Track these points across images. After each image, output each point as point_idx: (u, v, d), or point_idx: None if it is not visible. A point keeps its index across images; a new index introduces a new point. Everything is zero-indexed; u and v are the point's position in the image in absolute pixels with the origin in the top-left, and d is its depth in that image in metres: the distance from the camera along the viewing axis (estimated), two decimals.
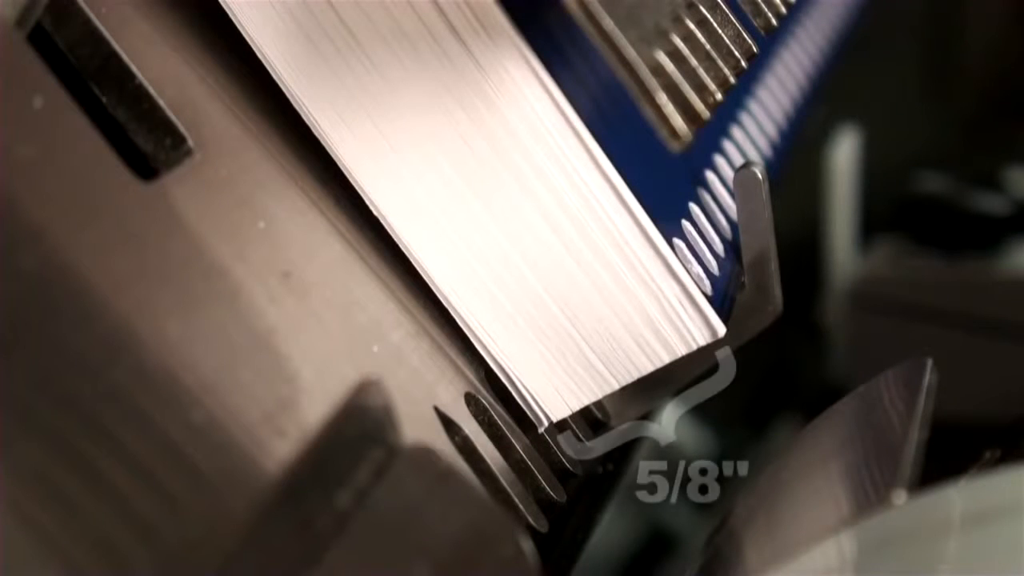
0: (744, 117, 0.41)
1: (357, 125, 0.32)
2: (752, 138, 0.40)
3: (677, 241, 0.33)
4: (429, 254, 0.33)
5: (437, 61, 0.31)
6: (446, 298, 0.33)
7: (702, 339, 0.33)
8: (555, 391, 0.34)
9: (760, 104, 0.42)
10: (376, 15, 0.31)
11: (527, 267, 0.32)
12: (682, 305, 0.32)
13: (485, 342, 0.33)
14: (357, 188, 0.32)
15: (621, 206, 0.31)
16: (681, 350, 0.33)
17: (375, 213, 0.32)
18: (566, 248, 0.32)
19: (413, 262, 0.33)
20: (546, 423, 0.34)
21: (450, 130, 0.31)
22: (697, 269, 0.33)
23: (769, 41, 0.44)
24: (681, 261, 0.32)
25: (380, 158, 0.32)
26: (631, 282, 0.32)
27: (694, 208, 0.35)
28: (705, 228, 0.34)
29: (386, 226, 0.32)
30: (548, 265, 0.32)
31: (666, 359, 0.33)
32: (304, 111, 0.32)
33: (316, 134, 0.32)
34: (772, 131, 0.42)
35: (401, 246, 0.33)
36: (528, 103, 0.31)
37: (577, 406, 0.34)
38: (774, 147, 0.41)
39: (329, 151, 0.32)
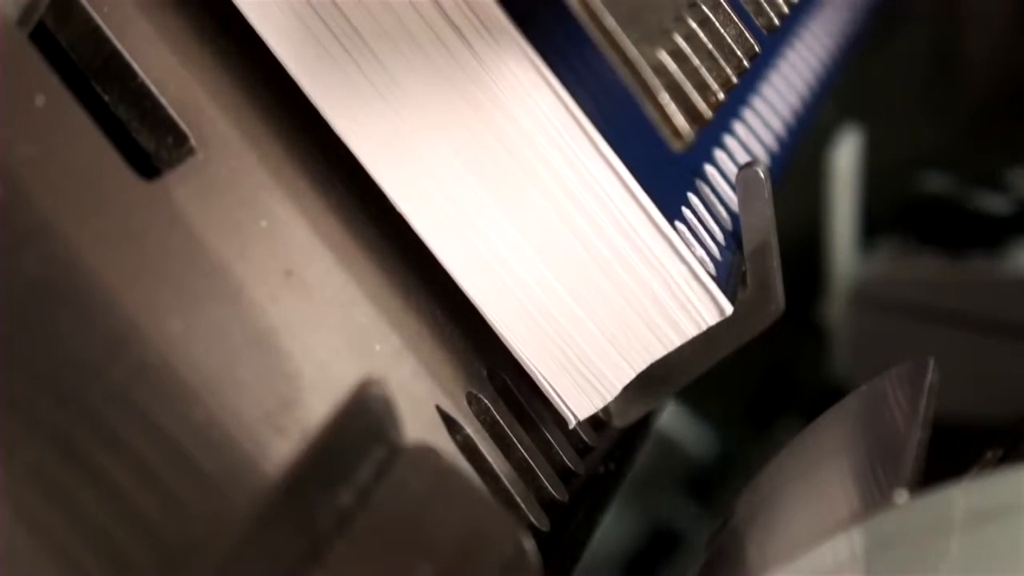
0: (747, 113, 0.41)
1: (370, 128, 0.32)
2: (756, 133, 0.40)
3: (680, 225, 0.33)
4: (453, 256, 0.33)
5: (443, 61, 0.31)
6: (475, 301, 0.33)
7: (711, 318, 0.33)
8: (579, 389, 0.34)
9: (764, 101, 0.42)
10: (380, 15, 0.31)
11: (542, 262, 0.32)
12: (689, 285, 0.33)
13: (513, 344, 0.33)
14: (385, 193, 0.32)
15: (626, 193, 0.32)
16: (691, 331, 0.33)
17: (402, 214, 0.32)
18: (576, 236, 0.32)
19: (442, 264, 0.33)
20: (575, 421, 0.34)
21: (460, 128, 0.31)
22: (700, 252, 0.33)
23: (773, 41, 0.44)
24: (686, 243, 0.32)
25: (399, 161, 0.32)
26: (639, 266, 0.32)
27: (694, 199, 0.35)
28: (705, 217, 0.35)
29: (413, 227, 0.33)
30: (561, 256, 0.32)
31: (677, 341, 0.33)
32: (324, 115, 0.32)
33: (341, 139, 0.32)
34: (777, 128, 0.42)
35: (428, 246, 0.33)
36: (532, 98, 0.31)
37: (600, 402, 0.34)
38: (780, 143, 0.41)
39: (355, 155, 0.32)
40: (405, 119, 0.32)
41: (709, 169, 0.37)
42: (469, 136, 0.32)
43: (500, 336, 0.33)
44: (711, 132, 0.38)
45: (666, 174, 0.35)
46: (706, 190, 0.36)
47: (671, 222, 0.33)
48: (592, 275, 0.33)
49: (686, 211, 0.34)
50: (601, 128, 0.31)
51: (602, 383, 0.34)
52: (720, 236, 0.35)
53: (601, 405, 0.34)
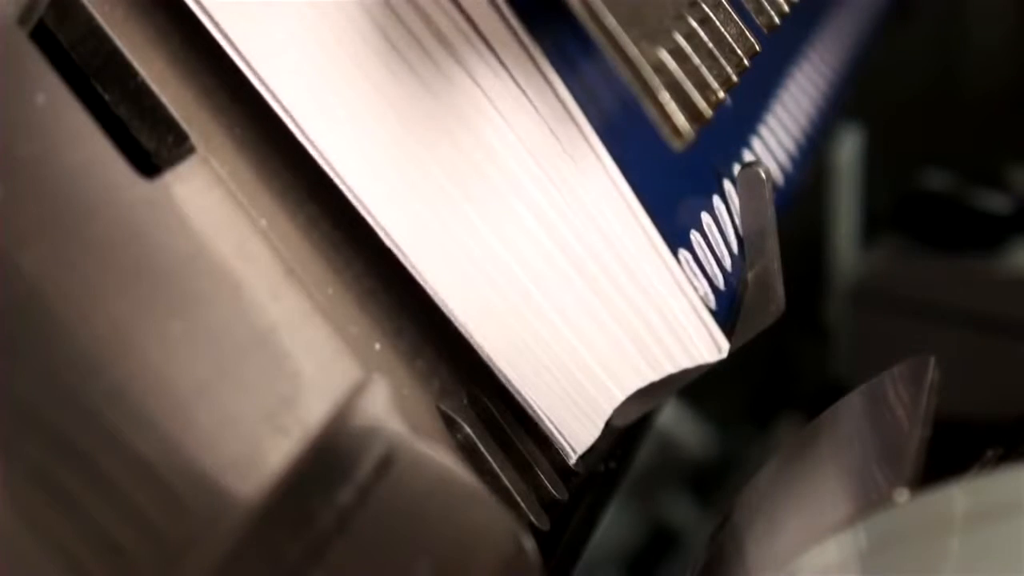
0: (764, 130, 0.40)
1: (354, 146, 0.31)
2: (773, 147, 0.40)
3: (684, 253, 0.32)
4: (443, 281, 0.32)
5: (431, 75, 0.30)
6: (471, 337, 0.32)
7: (708, 355, 0.33)
8: (575, 419, 0.33)
9: (779, 118, 0.42)
10: (369, 32, 0.30)
11: (536, 287, 0.32)
12: (688, 320, 0.32)
13: (513, 380, 0.33)
14: (370, 217, 0.32)
15: (633, 223, 0.31)
16: (685, 363, 0.33)
17: (389, 245, 0.32)
18: (573, 264, 0.32)
19: (435, 299, 0.32)
20: (575, 456, 0.34)
21: (450, 146, 0.31)
22: (703, 285, 0.33)
23: (790, 53, 0.44)
24: (688, 276, 0.32)
25: (384, 181, 0.31)
26: (637, 296, 0.32)
27: (707, 219, 0.34)
28: (716, 239, 0.34)
29: (400, 257, 0.32)
30: (556, 282, 0.32)
31: (671, 370, 0.33)
32: (302, 137, 0.31)
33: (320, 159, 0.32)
34: (794, 141, 0.42)
35: (417, 273, 0.32)
36: (535, 119, 0.31)
37: (596, 432, 0.34)
38: (798, 153, 0.41)
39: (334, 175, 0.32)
40: (391, 136, 0.31)
41: (728, 185, 0.36)
42: (459, 155, 0.31)
43: (494, 369, 0.33)
44: (732, 144, 0.38)
45: (682, 194, 0.34)
46: (722, 208, 0.35)
47: (676, 251, 0.32)
48: (589, 303, 0.32)
49: (696, 236, 0.33)
50: (612, 149, 0.31)
51: (595, 410, 0.33)
52: (729, 261, 0.34)
53: (596, 435, 0.34)
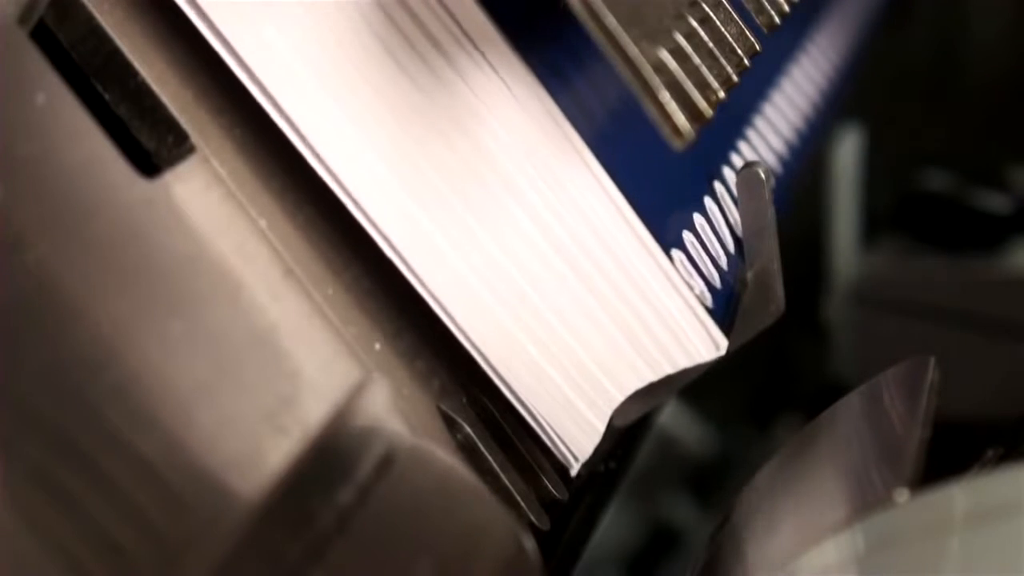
0: (752, 133, 0.40)
1: (347, 151, 0.31)
2: (763, 148, 0.40)
3: (678, 254, 0.33)
4: (444, 293, 0.32)
5: (423, 77, 0.30)
6: (477, 350, 0.32)
7: (706, 353, 0.33)
8: (576, 425, 0.33)
9: (768, 121, 0.42)
10: (368, 36, 0.30)
11: (533, 290, 0.32)
12: (685, 320, 0.32)
13: (513, 386, 0.33)
14: (366, 221, 0.32)
15: (623, 225, 0.31)
16: (684, 362, 0.33)
17: (386, 251, 0.32)
18: (569, 266, 0.32)
19: (441, 315, 0.32)
20: (576, 465, 0.34)
21: (446, 150, 0.31)
22: (699, 284, 0.33)
23: (781, 55, 0.44)
24: (684, 276, 0.32)
25: (380, 186, 0.31)
26: (634, 298, 0.32)
27: (699, 219, 0.34)
28: (709, 239, 0.34)
29: (396, 262, 0.32)
30: (553, 285, 0.32)
31: (669, 370, 0.33)
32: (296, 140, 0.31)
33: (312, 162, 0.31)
34: (786, 144, 0.42)
35: (414, 283, 0.32)
36: (526, 121, 0.31)
37: (597, 438, 0.33)
38: (791, 156, 0.41)
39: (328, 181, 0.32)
40: (391, 141, 0.31)
41: (718, 187, 0.36)
42: (456, 159, 0.31)
43: (493, 378, 0.33)
44: (721, 147, 0.38)
45: (672, 196, 0.34)
46: (714, 208, 0.35)
47: (669, 252, 0.32)
48: (585, 304, 0.32)
49: (688, 236, 0.34)
50: (599, 153, 0.31)
51: (595, 414, 0.33)
52: (724, 260, 0.34)
53: (597, 440, 0.33)
